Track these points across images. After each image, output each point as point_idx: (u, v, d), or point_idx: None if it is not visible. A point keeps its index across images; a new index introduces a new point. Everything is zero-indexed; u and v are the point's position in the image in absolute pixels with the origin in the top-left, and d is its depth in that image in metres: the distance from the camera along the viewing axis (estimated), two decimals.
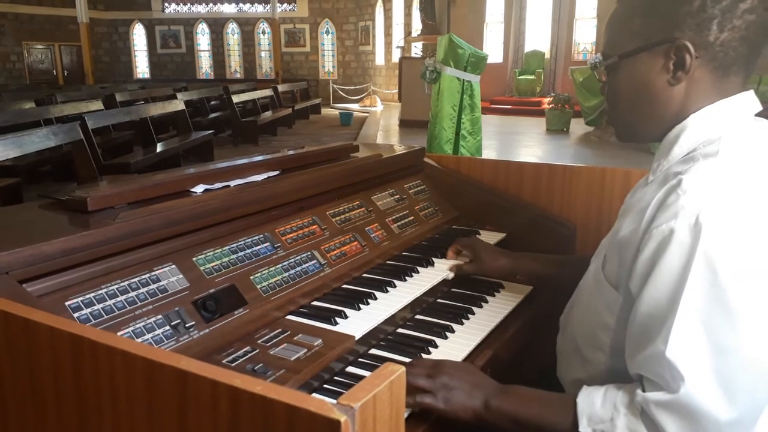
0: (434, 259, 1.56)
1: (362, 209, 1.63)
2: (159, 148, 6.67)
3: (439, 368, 1.03)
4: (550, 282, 1.44)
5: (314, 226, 1.46)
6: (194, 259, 1.17)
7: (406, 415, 1.01)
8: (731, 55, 0.91)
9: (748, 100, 0.95)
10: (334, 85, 18.95)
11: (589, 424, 0.89)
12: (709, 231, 0.81)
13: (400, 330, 1.32)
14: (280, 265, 1.30)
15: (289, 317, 1.23)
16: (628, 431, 0.85)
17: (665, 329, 0.82)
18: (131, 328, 1.00)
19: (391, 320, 1.30)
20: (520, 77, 15.51)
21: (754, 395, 0.80)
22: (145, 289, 1.06)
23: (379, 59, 19.41)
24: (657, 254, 0.85)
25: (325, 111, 15.89)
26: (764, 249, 0.80)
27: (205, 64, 21.92)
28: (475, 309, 1.41)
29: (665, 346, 0.81)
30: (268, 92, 12.33)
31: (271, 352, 1.07)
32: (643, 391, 0.85)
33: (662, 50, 0.93)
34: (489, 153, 8.36)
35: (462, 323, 1.34)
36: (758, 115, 0.96)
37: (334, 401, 0.53)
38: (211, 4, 21.43)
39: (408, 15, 17.06)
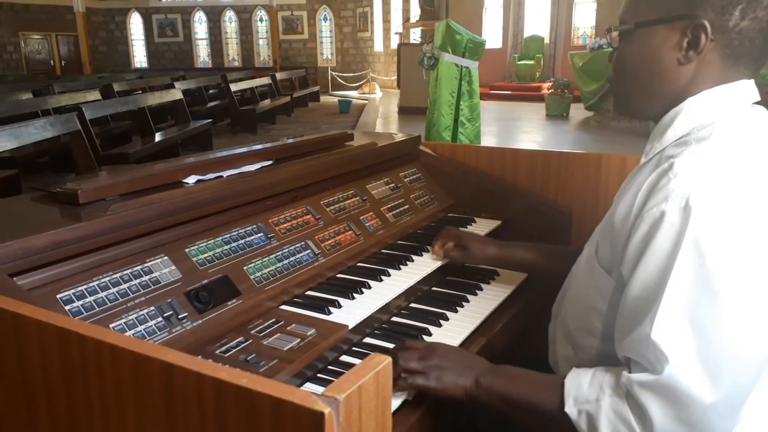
0: (429, 248, 1.56)
1: (357, 198, 1.63)
2: (157, 137, 6.65)
3: (431, 350, 1.06)
4: (541, 272, 1.43)
5: (308, 216, 1.46)
6: (187, 250, 1.17)
7: (400, 402, 1.01)
8: (746, 45, 0.90)
9: (747, 88, 0.94)
10: (333, 73, 18.87)
11: (575, 404, 0.90)
12: (698, 214, 0.81)
13: (394, 318, 1.32)
14: (274, 255, 1.30)
15: (283, 307, 1.24)
16: (612, 411, 0.85)
17: (652, 311, 0.83)
18: (123, 320, 1.00)
19: (386, 309, 1.31)
20: (519, 62, 15.42)
21: (738, 379, 0.81)
22: (138, 280, 1.06)
23: (378, 46, 19.28)
24: (648, 237, 0.85)
25: (323, 98, 15.83)
26: (753, 233, 0.80)
27: (202, 53, 21.79)
28: (469, 297, 1.41)
29: (651, 327, 0.82)
30: (266, 80, 12.27)
31: (265, 342, 1.07)
32: (630, 373, 0.86)
33: (680, 26, 0.92)
34: (488, 139, 8.33)
35: (456, 311, 1.34)
36: (757, 104, 0.95)
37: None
38: None
39: (406, 1, 16.92)
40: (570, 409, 0.90)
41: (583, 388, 0.90)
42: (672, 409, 0.80)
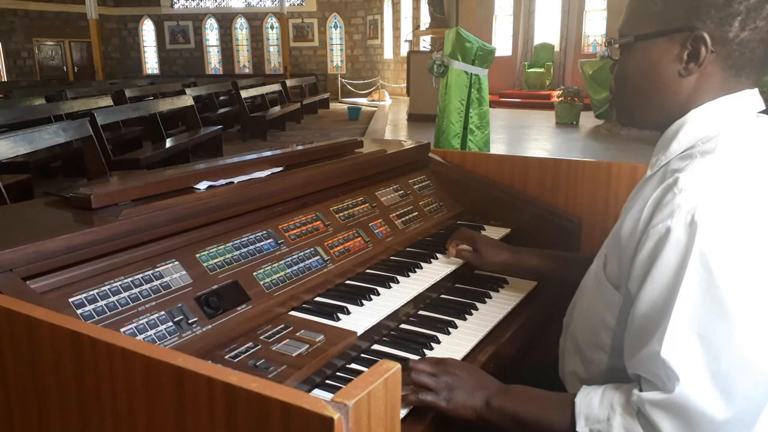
0: (438, 254, 1.56)
1: (366, 205, 1.64)
2: (168, 143, 6.70)
3: (442, 367, 1.04)
4: (553, 279, 1.43)
5: (318, 222, 1.47)
6: (197, 255, 1.18)
7: (406, 412, 1.01)
8: (747, 56, 0.89)
9: (751, 98, 0.93)
10: (343, 80, 18.94)
11: (587, 423, 0.89)
12: (704, 229, 0.80)
13: (403, 326, 1.32)
14: (284, 261, 1.31)
15: (292, 313, 1.24)
16: (624, 431, 0.85)
17: (661, 329, 0.82)
18: (134, 325, 1.01)
19: (394, 316, 1.31)
20: (529, 70, 15.42)
21: (751, 395, 0.80)
22: (149, 285, 1.07)
23: (388, 53, 19.36)
24: (654, 254, 0.85)
25: (333, 105, 15.89)
26: (760, 247, 0.80)
27: (213, 60, 21.97)
28: (478, 305, 1.41)
29: (660, 345, 0.81)
30: (276, 87, 12.34)
31: (274, 348, 1.07)
32: (641, 391, 0.85)
33: (679, 38, 0.92)
34: (497, 147, 8.33)
35: (465, 319, 1.34)
36: (762, 113, 0.94)
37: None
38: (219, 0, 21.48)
39: (416, 8, 16.99)
40: (581, 428, 0.89)
41: (593, 407, 0.89)
42: (684, 427, 0.79)
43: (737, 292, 0.79)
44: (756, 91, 0.94)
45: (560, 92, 11.77)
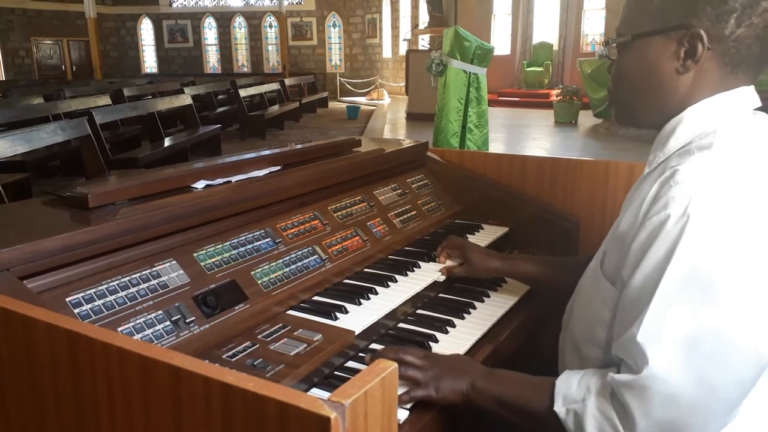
0: (435, 255, 1.56)
1: (364, 204, 1.63)
2: (166, 142, 6.69)
3: (429, 361, 1.07)
4: (545, 284, 1.41)
5: (316, 221, 1.47)
6: (195, 254, 1.18)
7: (407, 415, 1.01)
8: (743, 53, 0.90)
9: (747, 94, 0.94)
10: (341, 79, 18.92)
11: (564, 403, 0.92)
12: (695, 222, 0.82)
13: (401, 325, 1.32)
14: (281, 260, 1.31)
15: (290, 312, 1.24)
16: (598, 411, 0.88)
17: (642, 314, 0.84)
18: (132, 324, 1.00)
19: (392, 315, 1.31)
20: (528, 69, 15.42)
21: (720, 383, 0.81)
22: (146, 284, 1.07)
23: (387, 52, 19.34)
24: (647, 244, 0.86)
25: (332, 104, 15.88)
26: (749, 244, 0.81)
27: (212, 59, 21.94)
28: (476, 304, 1.41)
29: (638, 329, 0.84)
30: (275, 86, 12.32)
31: (271, 347, 1.07)
32: (619, 373, 0.87)
33: (676, 36, 0.93)
34: (496, 146, 8.33)
35: (463, 318, 1.34)
36: (758, 110, 0.95)
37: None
38: None
39: (415, 7, 16.98)
40: (559, 408, 0.92)
41: (572, 388, 0.93)
42: (652, 408, 0.81)
43: (721, 285, 0.80)
44: (752, 88, 0.95)
45: (559, 91, 11.77)
